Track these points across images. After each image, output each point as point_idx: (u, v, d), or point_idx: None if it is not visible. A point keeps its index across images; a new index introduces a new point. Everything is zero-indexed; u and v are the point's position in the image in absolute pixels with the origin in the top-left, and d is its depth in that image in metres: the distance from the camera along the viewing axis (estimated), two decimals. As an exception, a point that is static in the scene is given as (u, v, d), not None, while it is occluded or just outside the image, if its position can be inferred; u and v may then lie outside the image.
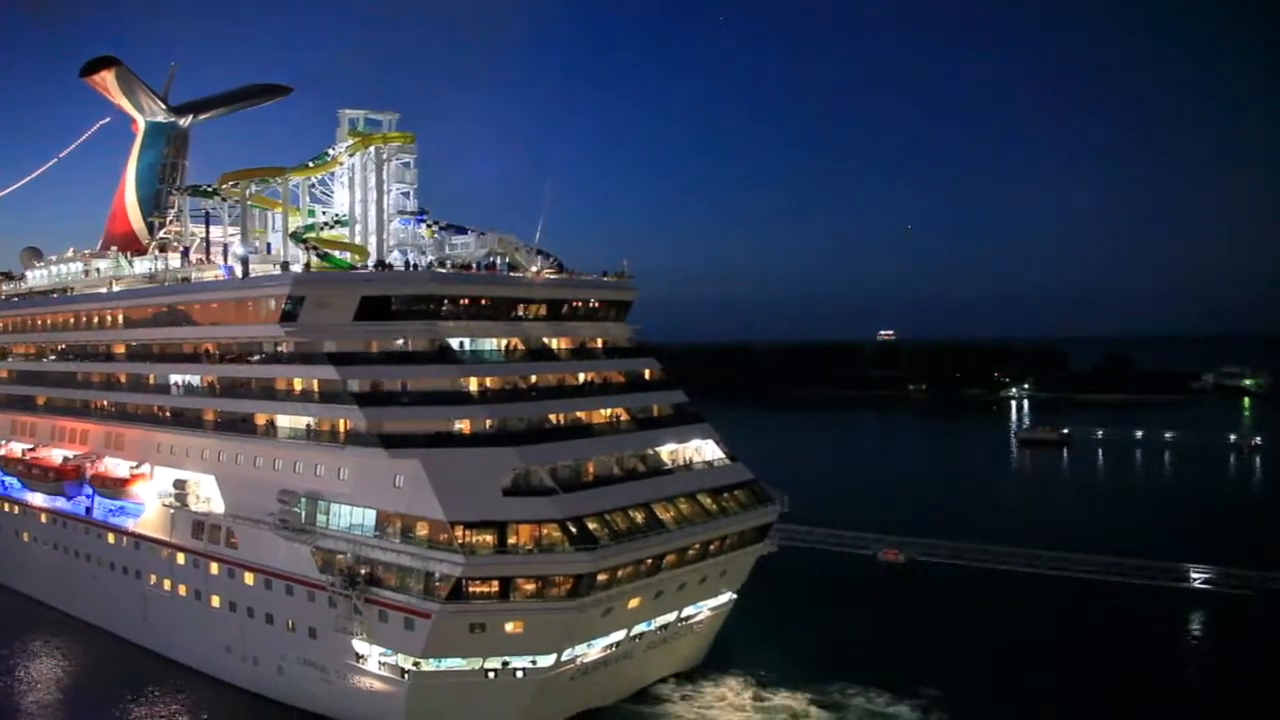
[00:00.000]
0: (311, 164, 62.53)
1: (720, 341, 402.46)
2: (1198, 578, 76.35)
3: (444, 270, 54.94)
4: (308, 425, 52.29)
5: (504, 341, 53.66)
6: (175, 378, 61.57)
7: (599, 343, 59.18)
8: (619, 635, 49.67)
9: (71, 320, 73.31)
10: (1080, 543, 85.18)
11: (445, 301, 51.98)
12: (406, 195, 61.89)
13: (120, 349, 67.70)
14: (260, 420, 55.07)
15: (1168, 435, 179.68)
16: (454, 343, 51.86)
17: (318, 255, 54.91)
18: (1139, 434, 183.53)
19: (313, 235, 57.32)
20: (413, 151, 61.63)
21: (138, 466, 63.38)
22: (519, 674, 46.64)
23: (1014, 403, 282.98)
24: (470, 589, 44.77)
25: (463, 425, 49.04)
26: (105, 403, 68.36)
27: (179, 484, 59.25)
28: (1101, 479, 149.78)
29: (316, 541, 49.77)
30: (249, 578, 54.44)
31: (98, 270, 73.52)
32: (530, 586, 45.31)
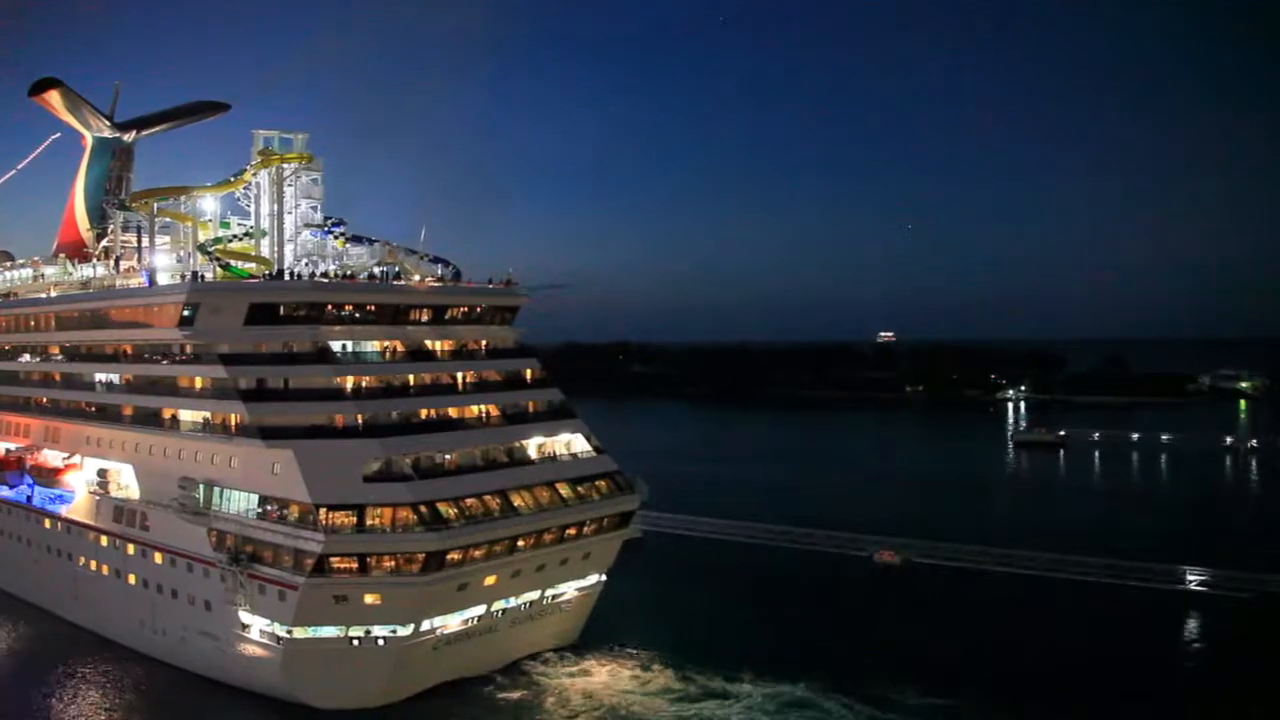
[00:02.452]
0: (233, 179, 69.59)
1: (719, 342, 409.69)
2: (1194, 580, 78.25)
3: (326, 279, 61.78)
4: (204, 419, 59.52)
5: (385, 344, 60.59)
6: (99, 376, 69.13)
7: (481, 345, 65.86)
8: (478, 610, 56.33)
9: (14, 322, 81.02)
10: (1077, 545, 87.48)
11: (329, 307, 58.95)
12: (314, 209, 68.79)
13: (55, 350, 75.33)
14: (167, 414, 62.38)
15: (1164, 438, 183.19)
16: (336, 345, 58.83)
17: (220, 266, 62.12)
18: (1135, 436, 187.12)
19: (220, 247, 64.40)
20: (319, 169, 68.45)
21: (70, 458, 70.94)
22: (381, 642, 53.46)
23: (1011, 404, 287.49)
24: (332, 564, 51.67)
25: (336, 419, 55.92)
26: (44, 399, 76.04)
27: (102, 473, 66.81)
28: (1098, 481, 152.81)
29: (211, 523, 56.90)
30: (158, 557, 61.63)
31: (43, 276, 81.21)
32: (389, 563, 52.17)
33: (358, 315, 60.33)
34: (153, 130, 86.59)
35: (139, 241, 74.61)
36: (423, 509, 52.34)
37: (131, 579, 64.28)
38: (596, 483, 61.37)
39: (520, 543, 55.94)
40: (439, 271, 68.71)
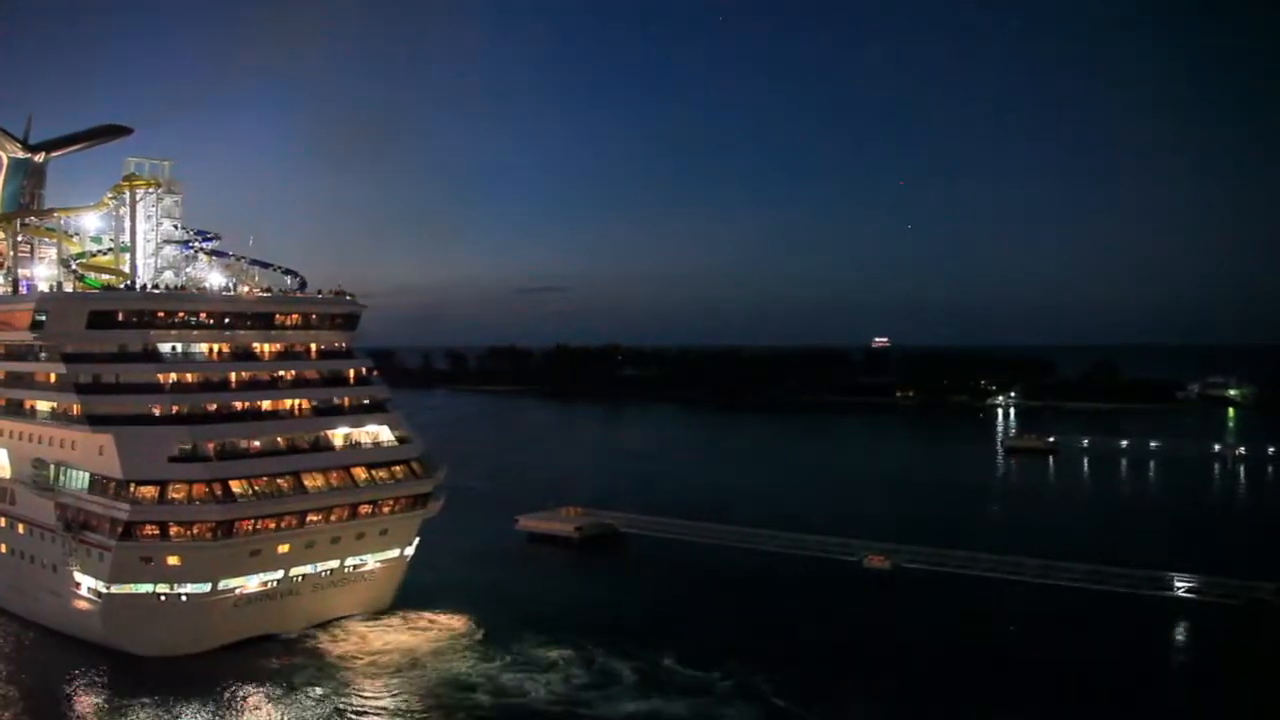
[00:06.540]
0: (110, 199, 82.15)
1: (712, 346, 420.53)
2: (1182, 586, 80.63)
3: (158, 290, 73.97)
4: (52, 409, 72.06)
5: (212, 346, 72.74)
6: None
7: (311, 347, 77.73)
8: (276, 574, 68.08)
9: None
10: (1066, 551, 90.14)
11: (159, 314, 71.15)
12: (176, 227, 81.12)
13: None
14: (28, 405, 75.04)
15: (1153, 444, 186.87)
16: (166, 347, 71.12)
17: (77, 278, 74.75)
18: (1125, 443, 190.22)
19: (83, 260, 76.99)
20: (180, 191, 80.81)
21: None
22: (184, 598, 65.46)
23: (1001, 410, 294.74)
24: (139, 530, 63.83)
25: (154, 409, 68.05)
26: None
27: (-17, 456, 79.63)
28: (1087, 487, 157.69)
29: (57, 498, 69.31)
30: (21, 528, 74.29)
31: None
32: (192, 530, 64.19)
33: (190, 321, 72.46)
34: (62, 152, 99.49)
35: (31, 253, 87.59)
36: (215, 486, 64.39)
37: (3, 548, 77.01)
38: (393, 468, 73.03)
39: (312, 517, 67.79)
40: (288, 282, 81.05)
